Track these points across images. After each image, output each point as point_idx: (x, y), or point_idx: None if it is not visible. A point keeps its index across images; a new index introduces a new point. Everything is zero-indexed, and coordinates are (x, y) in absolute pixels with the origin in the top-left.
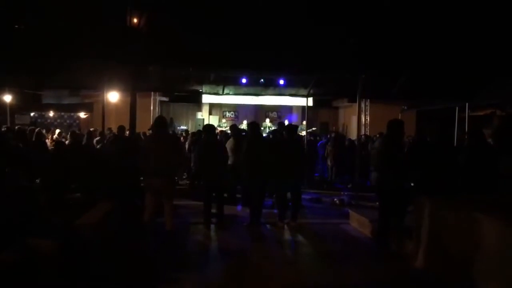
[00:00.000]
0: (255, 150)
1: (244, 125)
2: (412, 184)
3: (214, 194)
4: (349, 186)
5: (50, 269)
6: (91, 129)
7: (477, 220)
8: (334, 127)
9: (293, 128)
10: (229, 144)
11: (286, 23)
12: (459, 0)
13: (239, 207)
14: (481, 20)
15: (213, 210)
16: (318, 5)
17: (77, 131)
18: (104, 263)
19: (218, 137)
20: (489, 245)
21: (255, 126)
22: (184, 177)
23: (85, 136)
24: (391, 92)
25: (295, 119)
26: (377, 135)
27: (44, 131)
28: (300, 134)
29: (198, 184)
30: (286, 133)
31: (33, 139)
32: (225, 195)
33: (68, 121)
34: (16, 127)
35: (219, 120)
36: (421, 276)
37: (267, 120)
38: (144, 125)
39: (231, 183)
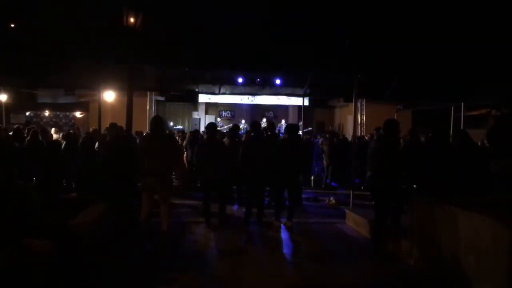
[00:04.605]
0: (256, 150)
1: (241, 124)
2: (407, 184)
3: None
4: (345, 185)
5: (45, 270)
6: (91, 129)
7: (470, 220)
8: (330, 127)
9: (292, 127)
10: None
11: (283, 23)
12: (457, 2)
13: (235, 207)
14: (477, 22)
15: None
16: (314, 6)
17: (71, 131)
18: (100, 263)
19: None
20: (482, 245)
21: (256, 126)
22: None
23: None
24: (387, 92)
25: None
26: (374, 131)
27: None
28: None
29: (195, 184)
30: (285, 132)
31: (29, 137)
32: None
33: (63, 121)
34: (15, 126)
35: (215, 120)
36: (415, 275)
37: (264, 120)
38: (140, 125)
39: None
